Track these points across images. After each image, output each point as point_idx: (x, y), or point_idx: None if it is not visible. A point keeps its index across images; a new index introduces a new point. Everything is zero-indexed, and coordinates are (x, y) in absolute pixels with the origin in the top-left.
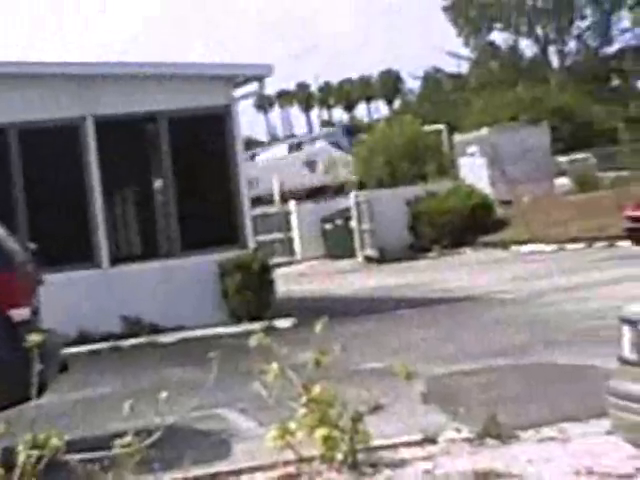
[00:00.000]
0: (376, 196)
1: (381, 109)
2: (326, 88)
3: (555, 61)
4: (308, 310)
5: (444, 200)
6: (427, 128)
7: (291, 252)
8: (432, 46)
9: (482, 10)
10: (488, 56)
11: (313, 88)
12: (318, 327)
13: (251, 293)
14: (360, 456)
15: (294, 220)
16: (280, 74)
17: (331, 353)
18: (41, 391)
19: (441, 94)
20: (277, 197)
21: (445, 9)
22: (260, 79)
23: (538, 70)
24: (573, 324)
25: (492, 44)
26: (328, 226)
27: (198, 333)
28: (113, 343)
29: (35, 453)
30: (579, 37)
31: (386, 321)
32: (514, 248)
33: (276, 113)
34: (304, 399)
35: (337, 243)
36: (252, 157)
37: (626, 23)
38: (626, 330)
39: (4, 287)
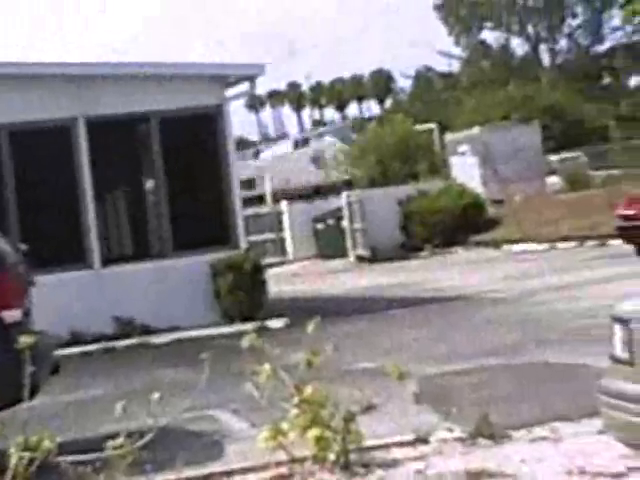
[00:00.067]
0: (368, 196)
1: (373, 108)
2: (317, 88)
3: (546, 59)
4: (300, 310)
5: (436, 199)
6: (419, 127)
7: (283, 252)
8: (423, 45)
9: (473, 9)
10: (479, 55)
11: (304, 88)
12: (310, 327)
13: (243, 293)
14: (352, 456)
15: (286, 220)
16: (271, 74)
17: (323, 353)
18: (33, 393)
19: (432, 93)
20: (269, 197)
21: (436, 8)
22: (251, 79)
23: (529, 69)
24: (565, 323)
25: (483, 43)
26: (320, 226)
27: (190, 334)
28: (105, 344)
29: (27, 455)
30: (570, 35)
31: (378, 321)
32: (506, 247)
33: (267, 113)
34: (296, 400)
35: (329, 243)
36: (256, 154)
37: (617, 21)
38: (617, 329)
39: None
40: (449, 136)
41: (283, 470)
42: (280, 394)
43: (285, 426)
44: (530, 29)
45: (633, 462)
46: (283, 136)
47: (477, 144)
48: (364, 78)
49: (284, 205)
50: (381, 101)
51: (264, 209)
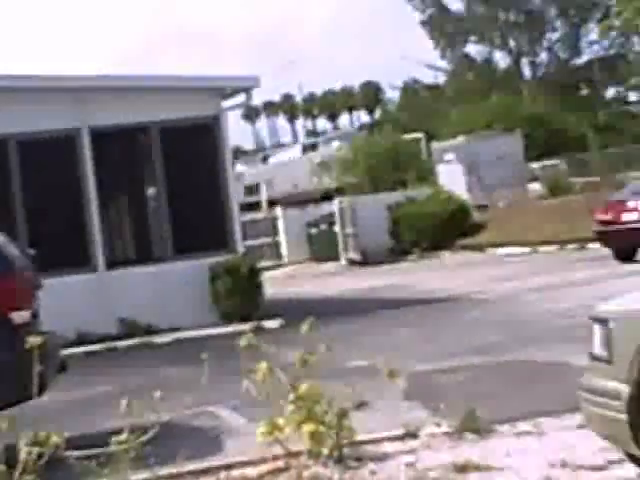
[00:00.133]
0: (358, 202)
1: (362, 118)
2: (310, 99)
3: (527, 72)
4: (295, 311)
5: (423, 205)
6: (406, 137)
7: (278, 256)
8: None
9: (457, 24)
10: (464, 67)
11: (298, 99)
12: (305, 327)
13: (240, 295)
14: (345, 450)
15: (281, 225)
16: (265, 86)
17: (317, 352)
18: (41, 390)
19: (420, 104)
20: (264, 203)
21: (422, 23)
22: (247, 90)
23: (511, 80)
24: (547, 323)
25: (467, 56)
26: (313, 231)
27: (191, 334)
28: (110, 344)
29: (36, 450)
30: (550, 49)
31: (370, 321)
32: (490, 251)
33: (263, 123)
34: (292, 396)
35: (322, 247)
36: (264, 159)
37: (594, 35)
38: (597, 329)
39: (5, 291)
40: (435, 145)
41: (280, 464)
42: (276, 391)
43: (281, 422)
44: (512, 43)
45: (612, 455)
46: (278, 145)
47: (462, 152)
48: (354, 89)
49: (279, 211)
50: (371, 111)
51: (260, 215)
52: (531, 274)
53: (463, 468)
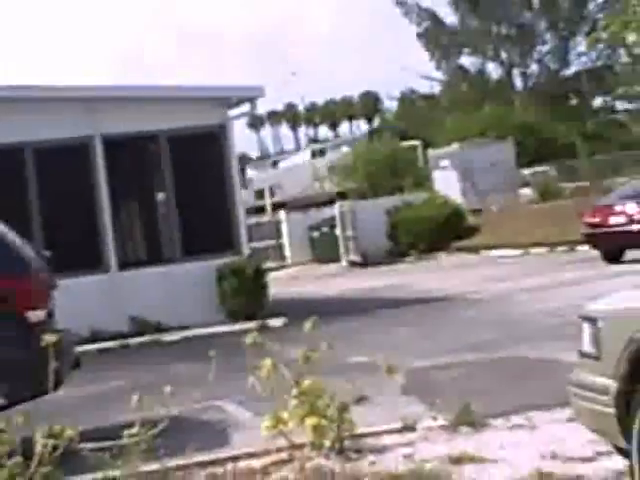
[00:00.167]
0: (358, 206)
1: (362, 127)
2: (312, 108)
3: (519, 82)
4: (298, 310)
5: (420, 209)
6: (404, 144)
7: (282, 257)
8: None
9: (452, 37)
10: (458, 78)
11: (300, 108)
12: (307, 326)
13: (246, 295)
14: (346, 443)
15: (284, 228)
16: (269, 95)
17: (319, 349)
18: (56, 386)
19: (416, 113)
20: (269, 207)
21: (419, 36)
22: (252, 100)
23: (503, 91)
24: (538, 321)
25: (461, 67)
26: (315, 233)
27: (199, 332)
28: (121, 341)
29: (51, 442)
30: (540, 61)
31: (369, 320)
32: (484, 253)
33: (267, 131)
34: (295, 391)
35: (324, 249)
36: (274, 164)
37: (582, 48)
38: (586, 327)
39: (22, 291)
40: (431, 152)
41: (283, 455)
42: (280, 387)
43: (285, 415)
44: (504, 55)
45: (601, 447)
46: (281, 152)
47: (457, 159)
48: (354, 99)
49: (283, 214)
50: (369, 120)
51: (265, 218)
52: (523, 275)
53: (458, 460)
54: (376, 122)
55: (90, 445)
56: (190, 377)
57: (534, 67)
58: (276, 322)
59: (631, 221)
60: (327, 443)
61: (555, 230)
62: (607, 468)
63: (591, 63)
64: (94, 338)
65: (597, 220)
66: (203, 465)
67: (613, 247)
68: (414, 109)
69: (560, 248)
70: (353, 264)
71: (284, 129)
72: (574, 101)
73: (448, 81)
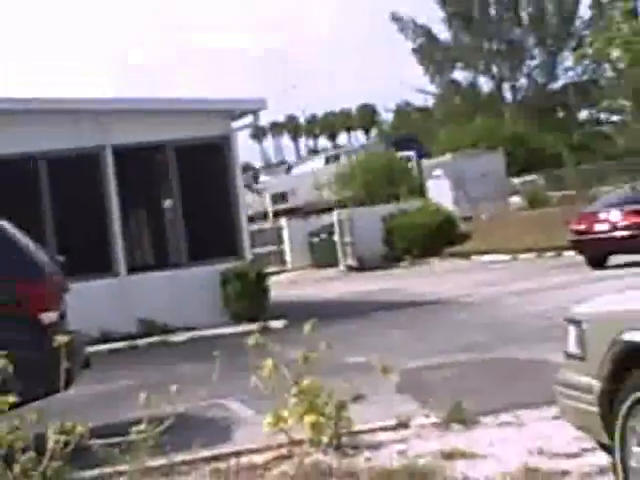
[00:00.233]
0: (356, 213)
1: (360, 138)
2: (312, 120)
3: (509, 96)
4: (298, 312)
5: (414, 217)
6: (399, 154)
7: (283, 262)
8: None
9: (445, 52)
10: (451, 92)
11: (301, 120)
12: (307, 327)
13: (249, 298)
14: (343, 439)
15: (285, 234)
16: (271, 106)
17: (318, 350)
18: (68, 385)
19: (411, 125)
20: (270, 214)
21: (414, 51)
22: (255, 112)
23: (494, 104)
24: (527, 323)
25: (454, 81)
26: (315, 239)
27: (204, 333)
28: (130, 342)
29: (63, 438)
30: (529, 75)
31: (366, 321)
32: (475, 258)
33: (269, 142)
34: (295, 390)
35: (322, 254)
36: (288, 169)
37: (569, 63)
38: (571, 329)
39: (36, 295)
40: (425, 162)
41: (284, 451)
42: (281, 386)
43: (285, 413)
44: (494, 69)
45: (585, 444)
46: (283, 162)
47: (449, 169)
48: (352, 111)
49: (284, 221)
50: (367, 131)
51: (266, 225)
52: (512, 279)
53: (450, 455)
54: (373, 133)
55: (100, 441)
56: (195, 376)
57: (523, 81)
58: (277, 324)
59: (615, 228)
60: (325, 439)
61: (543, 236)
62: (591, 464)
63: (577, 77)
64: (104, 339)
65: (583, 227)
66: (207, 460)
67: (598, 253)
68: (409, 121)
69: (547, 254)
70: (350, 268)
71: (285, 140)
72: (561, 113)
73: (441, 94)
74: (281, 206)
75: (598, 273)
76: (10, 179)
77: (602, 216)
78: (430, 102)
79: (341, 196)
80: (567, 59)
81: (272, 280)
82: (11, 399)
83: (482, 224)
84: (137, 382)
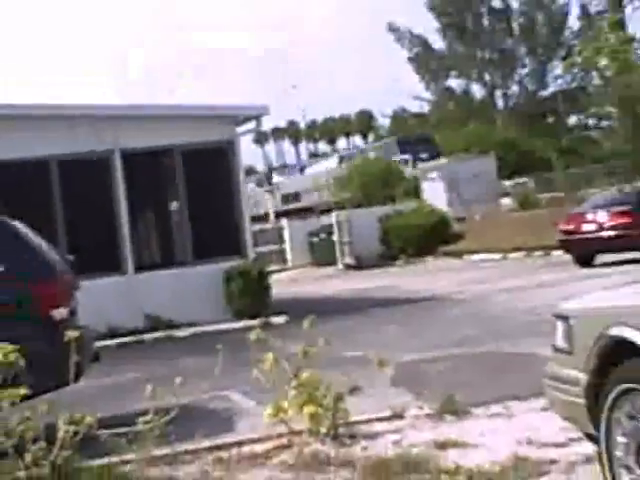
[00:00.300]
0: (353, 214)
1: (358, 142)
2: (312, 125)
3: (500, 102)
4: (298, 309)
5: (409, 217)
6: (395, 158)
7: (284, 261)
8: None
9: (440, 61)
10: (445, 99)
11: (301, 125)
12: (306, 323)
13: (251, 295)
14: (341, 430)
15: (286, 234)
16: (273, 112)
17: (317, 344)
18: (77, 377)
19: (407, 130)
20: (272, 215)
21: (410, 60)
22: (257, 118)
23: (486, 110)
24: (516, 319)
25: (448, 89)
26: (314, 239)
27: (207, 328)
28: (137, 337)
29: (72, 428)
30: (520, 82)
31: (363, 317)
32: (467, 257)
33: (271, 146)
34: (294, 383)
35: (322, 253)
36: (302, 169)
37: (559, 71)
38: (559, 324)
39: (47, 292)
40: (420, 165)
41: (284, 441)
42: (281, 378)
43: (285, 405)
44: (487, 77)
45: (572, 434)
46: (285, 165)
47: (444, 172)
48: (351, 117)
49: (285, 222)
50: (365, 136)
51: (268, 225)
52: (502, 277)
53: (443, 445)
54: (370, 138)
55: (108, 431)
56: (199, 369)
57: (514, 88)
58: (278, 320)
59: (601, 228)
60: (323, 430)
61: (532, 236)
62: (578, 453)
63: (566, 85)
64: (112, 334)
65: (571, 227)
66: (210, 450)
67: (585, 252)
68: (405, 126)
69: (536, 253)
70: (348, 267)
71: (286, 144)
72: (551, 119)
73: (436, 101)
74: (292, 205)
75: (585, 271)
76: (24, 182)
77: (589, 217)
78: (425, 108)
79: (339, 198)
80: (557, 67)
81: (273, 278)
82: (23, 391)
83: (474, 224)
84: (143, 375)
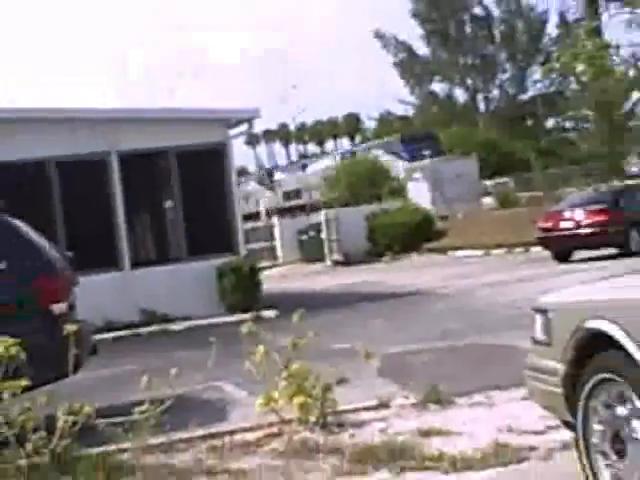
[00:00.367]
0: (341, 213)
1: (345, 144)
2: (301, 128)
3: (482, 106)
4: (288, 303)
5: (395, 215)
6: (382, 159)
7: (274, 257)
8: (387, 94)
9: (424, 66)
10: (429, 102)
11: (291, 127)
12: (296, 317)
13: (243, 290)
14: (329, 418)
15: (277, 232)
16: (264, 115)
17: (306, 337)
18: (76, 369)
19: (392, 132)
20: (263, 213)
21: (395, 65)
22: (249, 121)
23: (469, 113)
24: (498, 312)
25: (432, 93)
26: (304, 236)
27: (201, 322)
28: (133, 331)
29: (71, 418)
30: (501, 87)
31: (350, 311)
32: (451, 253)
33: (262, 148)
34: (284, 374)
35: (311, 250)
36: (303, 167)
37: (538, 76)
38: (538, 317)
39: (48, 287)
40: (406, 165)
41: (274, 429)
42: (272, 370)
43: (276, 395)
44: (469, 82)
45: (551, 422)
46: (275, 166)
47: (428, 172)
48: (338, 120)
49: (275, 220)
50: (352, 138)
51: (259, 223)
52: (484, 273)
53: (427, 433)
54: (357, 140)
55: (105, 421)
56: (193, 361)
57: (495, 92)
58: (269, 314)
59: (579, 226)
60: (312, 419)
61: (513, 234)
62: (556, 440)
63: (545, 89)
64: (109, 328)
65: (549, 225)
66: (204, 438)
67: (563, 248)
68: (391, 129)
69: (517, 249)
70: (336, 263)
71: (277, 146)
72: (530, 122)
73: (421, 104)
74: (294, 202)
75: (563, 267)
76: (26, 183)
77: (567, 215)
78: (410, 112)
79: (328, 197)
80: (536, 73)
81: (264, 274)
82: (24, 383)
83: (457, 222)
84: (139, 367)
